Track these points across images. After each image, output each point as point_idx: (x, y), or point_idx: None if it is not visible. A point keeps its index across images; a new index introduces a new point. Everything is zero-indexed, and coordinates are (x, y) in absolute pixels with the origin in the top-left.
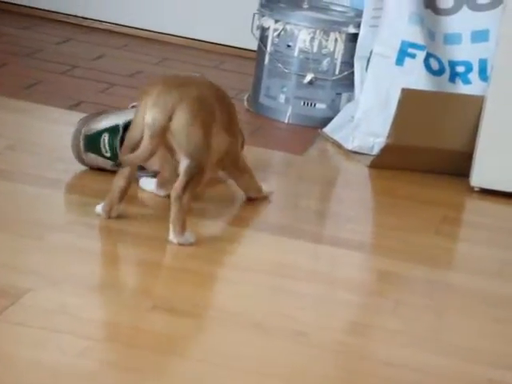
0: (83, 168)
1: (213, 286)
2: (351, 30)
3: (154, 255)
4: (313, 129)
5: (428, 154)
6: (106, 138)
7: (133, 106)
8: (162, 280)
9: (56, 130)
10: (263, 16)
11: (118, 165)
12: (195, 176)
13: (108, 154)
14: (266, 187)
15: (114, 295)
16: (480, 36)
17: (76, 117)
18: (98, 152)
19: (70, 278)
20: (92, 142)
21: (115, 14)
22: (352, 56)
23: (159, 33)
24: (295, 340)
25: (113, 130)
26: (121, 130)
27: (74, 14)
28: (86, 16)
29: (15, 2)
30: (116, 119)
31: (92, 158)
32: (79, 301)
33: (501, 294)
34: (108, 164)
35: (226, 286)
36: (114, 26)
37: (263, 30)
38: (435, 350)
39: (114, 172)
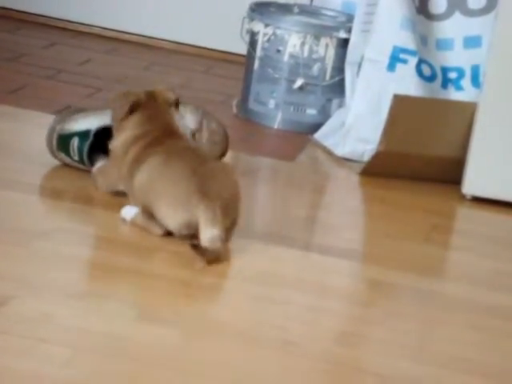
0: (69, 174)
1: (199, 295)
2: (342, 35)
3: (140, 264)
4: (303, 135)
5: (419, 161)
6: (75, 141)
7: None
8: (148, 289)
9: (42, 135)
10: (253, 20)
11: None
12: None
13: (76, 158)
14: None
15: (99, 304)
16: (472, 42)
17: None
18: (67, 153)
19: (55, 285)
20: (63, 143)
21: (102, 18)
22: (343, 61)
23: (147, 37)
24: (283, 350)
25: (83, 135)
26: (91, 136)
27: (60, 17)
28: (72, 20)
29: (0, 5)
30: (90, 123)
31: (62, 156)
32: (63, 309)
33: (490, 303)
34: (74, 164)
35: (212, 295)
36: (100, 30)
37: (253, 35)
38: (426, 360)
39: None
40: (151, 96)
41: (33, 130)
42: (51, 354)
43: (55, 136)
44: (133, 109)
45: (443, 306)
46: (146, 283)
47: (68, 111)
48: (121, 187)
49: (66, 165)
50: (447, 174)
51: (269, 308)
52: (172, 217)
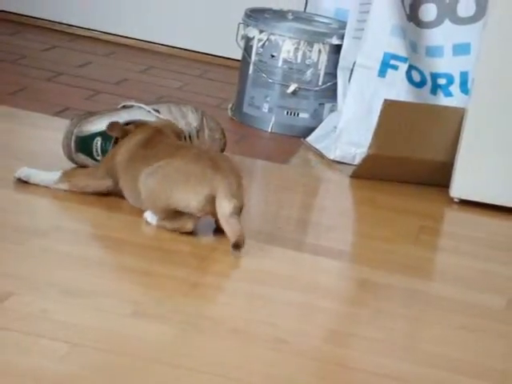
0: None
1: (193, 292)
2: (335, 41)
3: (135, 261)
4: (296, 138)
5: (409, 164)
6: (98, 142)
7: (123, 106)
8: (143, 286)
9: (41, 136)
10: (248, 26)
11: None
12: None
13: (99, 158)
14: None
15: (95, 300)
16: (461, 49)
17: (61, 123)
18: (89, 154)
19: (52, 283)
20: (84, 144)
21: (101, 22)
22: (335, 67)
23: (145, 41)
24: (275, 347)
25: (106, 135)
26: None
27: (59, 21)
28: (71, 23)
29: (0, 8)
30: (107, 122)
31: (82, 158)
32: (61, 306)
33: (478, 303)
34: (94, 164)
35: (206, 292)
36: (100, 34)
37: (248, 40)
38: (413, 359)
39: None
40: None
41: (32, 131)
42: (49, 350)
43: (73, 138)
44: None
45: (431, 306)
46: (143, 281)
47: (81, 115)
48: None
49: (83, 166)
50: (436, 177)
51: (261, 306)
52: (192, 198)
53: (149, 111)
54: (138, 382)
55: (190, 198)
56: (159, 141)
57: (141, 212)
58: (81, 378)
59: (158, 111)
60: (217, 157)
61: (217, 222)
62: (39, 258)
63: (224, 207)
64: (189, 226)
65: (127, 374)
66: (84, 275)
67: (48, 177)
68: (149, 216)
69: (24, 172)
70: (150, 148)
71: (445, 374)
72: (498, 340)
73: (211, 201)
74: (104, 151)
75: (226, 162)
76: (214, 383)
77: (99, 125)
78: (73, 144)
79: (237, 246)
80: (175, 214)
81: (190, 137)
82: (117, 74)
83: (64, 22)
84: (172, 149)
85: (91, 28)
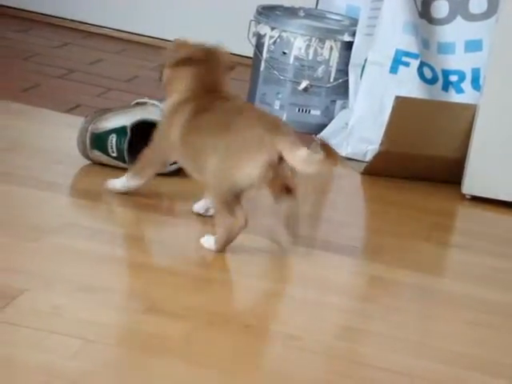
0: (80, 171)
1: (205, 288)
2: (346, 38)
3: (147, 258)
4: (307, 135)
5: (420, 161)
6: (113, 139)
7: (137, 103)
8: (155, 282)
9: (53, 133)
10: (259, 23)
11: None
12: None
13: (114, 154)
14: None
15: (107, 297)
16: (473, 45)
17: (73, 120)
18: (104, 151)
19: (65, 279)
20: (99, 141)
21: (113, 20)
22: (347, 64)
23: (156, 38)
24: (287, 343)
25: (120, 132)
26: (128, 131)
27: (71, 18)
28: (83, 21)
29: (13, 5)
30: (123, 120)
31: (97, 155)
32: (74, 302)
33: (490, 300)
34: (111, 162)
35: (217, 289)
36: (111, 31)
37: (259, 37)
38: (425, 355)
39: (112, 171)
40: (209, 53)
41: (44, 128)
42: (61, 346)
43: (88, 135)
44: (182, 63)
45: (443, 302)
46: (156, 277)
47: (96, 112)
48: (172, 159)
49: (99, 163)
50: (447, 174)
51: (272, 302)
52: (254, 165)
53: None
54: (151, 378)
55: (251, 167)
56: (207, 109)
57: (155, 208)
58: (93, 374)
59: None
60: (272, 119)
61: (277, 188)
62: (52, 254)
63: (299, 154)
64: (242, 222)
65: (139, 370)
66: (96, 272)
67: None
68: (206, 242)
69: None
70: (200, 119)
71: (458, 371)
72: (511, 336)
73: (274, 164)
74: (119, 148)
75: (284, 124)
76: (225, 379)
77: (114, 122)
78: (88, 141)
79: (334, 156)
80: (233, 201)
81: None
82: (128, 71)
83: (76, 19)
84: (223, 118)
85: (103, 25)
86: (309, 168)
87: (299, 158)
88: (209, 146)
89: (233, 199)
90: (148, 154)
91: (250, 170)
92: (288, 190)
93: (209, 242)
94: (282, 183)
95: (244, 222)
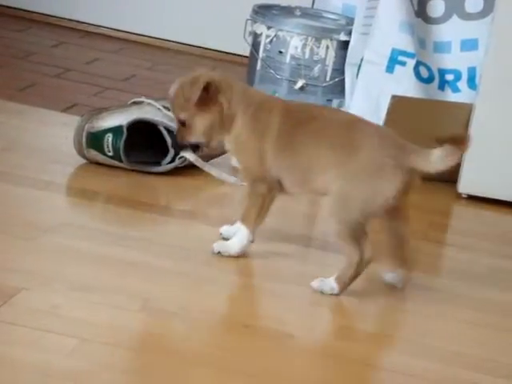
0: (77, 170)
1: (201, 287)
2: (342, 37)
3: (144, 257)
4: None
5: None
6: (109, 138)
7: (133, 102)
8: (152, 281)
9: (50, 132)
10: (256, 22)
11: None
12: None
13: (110, 154)
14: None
15: (104, 296)
16: (469, 45)
17: (70, 119)
18: (101, 150)
19: (62, 278)
20: (95, 140)
21: (109, 19)
22: (343, 63)
23: (153, 37)
24: (282, 342)
25: (117, 131)
26: (125, 131)
27: (68, 17)
28: (80, 20)
29: (10, 4)
30: (119, 119)
31: (93, 154)
32: (70, 301)
33: (486, 299)
34: (108, 161)
35: (214, 287)
36: (108, 31)
37: (256, 36)
38: (422, 354)
39: (108, 170)
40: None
41: (41, 127)
42: (58, 345)
43: (85, 134)
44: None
45: (440, 301)
46: (153, 277)
47: (92, 111)
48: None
49: (95, 162)
50: (444, 173)
51: (269, 301)
52: (392, 188)
53: (159, 108)
54: (147, 377)
55: (389, 194)
56: (302, 120)
57: (152, 207)
58: (89, 373)
59: (167, 108)
60: (387, 132)
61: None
62: (49, 253)
63: (433, 157)
64: (369, 255)
65: (135, 369)
66: (93, 271)
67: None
68: (324, 286)
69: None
70: (298, 130)
71: (454, 370)
72: (509, 336)
73: (407, 182)
74: (115, 147)
75: (395, 136)
76: (221, 378)
77: (110, 121)
78: (84, 140)
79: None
80: (361, 231)
81: None
82: (125, 70)
83: (73, 18)
84: (335, 132)
85: (99, 24)
86: (445, 164)
87: (435, 160)
88: (324, 162)
89: (361, 228)
90: (251, 187)
91: (388, 193)
92: (396, 211)
93: (327, 284)
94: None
95: (371, 256)
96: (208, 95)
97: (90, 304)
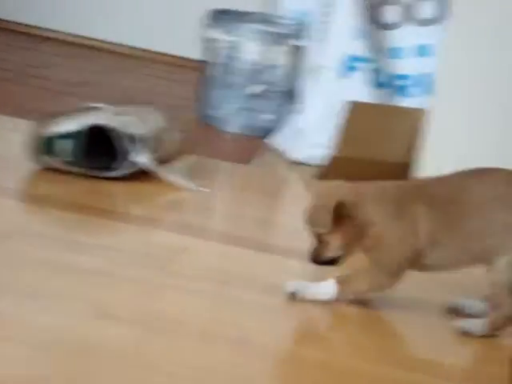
0: (29, 176)
1: (157, 294)
2: (298, 42)
3: (99, 263)
4: (259, 139)
5: (371, 165)
6: (64, 143)
7: (89, 108)
8: (107, 288)
9: (6, 138)
10: (211, 27)
11: None
12: None
13: (65, 159)
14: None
15: (57, 303)
16: (423, 50)
17: (25, 124)
18: (55, 155)
19: (13, 285)
20: (51, 146)
21: (65, 24)
22: (299, 68)
23: (109, 43)
24: (238, 348)
25: (72, 136)
26: (83, 135)
27: (23, 22)
28: (34, 25)
29: None
30: (75, 124)
31: (49, 159)
32: (22, 308)
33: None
34: (62, 166)
35: (170, 294)
36: (64, 36)
37: (211, 42)
38: (389, 361)
39: (62, 176)
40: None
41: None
42: (11, 353)
43: (38, 140)
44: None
45: (417, 310)
46: (106, 283)
47: (46, 116)
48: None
49: (48, 168)
50: (398, 178)
51: (224, 306)
52: None
53: (114, 114)
54: (100, 383)
55: None
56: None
57: (109, 213)
58: (42, 381)
59: (120, 113)
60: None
61: None
62: (1, 260)
63: None
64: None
65: (89, 375)
66: (46, 278)
67: (321, 290)
68: (473, 326)
69: (293, 286)
70: (454, 205)
71: (431, 380)
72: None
73: None
74: (72, 152)
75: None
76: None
77: (65, 126)
78: (38, 145)
79: None
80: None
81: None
82: (81, 75)
83: (27, 23)
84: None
85: (55, 29)
86: None
87: None
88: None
89: None
90: (383, 277)
91: None
92: None
93: (476, 325)
94: None
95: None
96: (340, 214)
97: (43, 311)
